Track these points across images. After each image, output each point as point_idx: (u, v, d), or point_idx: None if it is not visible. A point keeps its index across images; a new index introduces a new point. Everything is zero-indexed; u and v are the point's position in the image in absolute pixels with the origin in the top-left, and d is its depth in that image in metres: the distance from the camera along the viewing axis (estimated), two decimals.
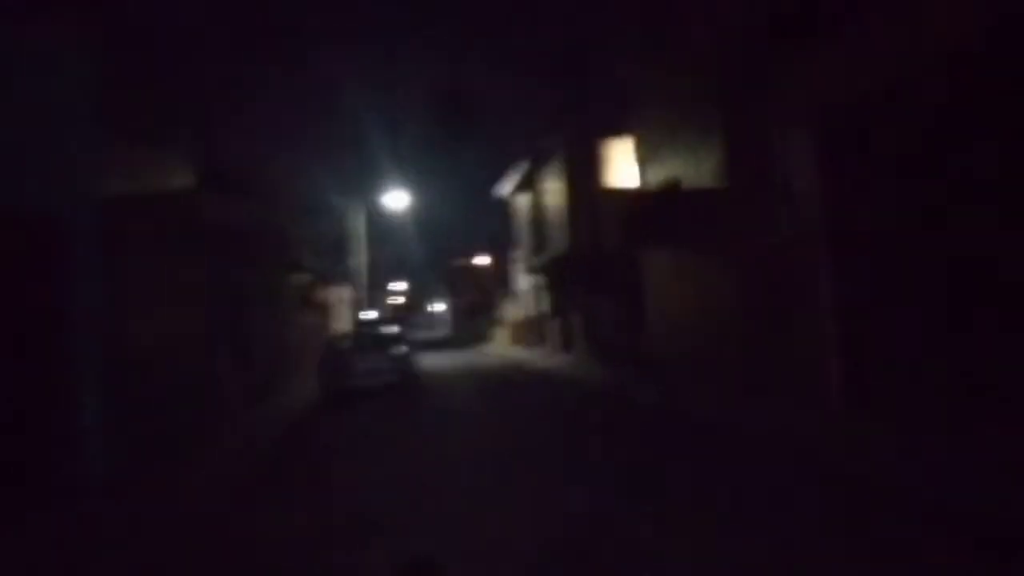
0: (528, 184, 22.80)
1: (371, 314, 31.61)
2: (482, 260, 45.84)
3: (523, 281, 30.07)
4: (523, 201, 24.22)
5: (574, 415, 10.97)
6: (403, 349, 15.41)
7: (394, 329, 17.51)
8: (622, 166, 16.58)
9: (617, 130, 16.03)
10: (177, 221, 11.26)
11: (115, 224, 9.45)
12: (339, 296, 33.62)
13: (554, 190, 19.43)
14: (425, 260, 56.94)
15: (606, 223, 16.14)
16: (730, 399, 10.17)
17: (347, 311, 35.48)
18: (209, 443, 9.88)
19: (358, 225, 30.63)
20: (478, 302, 48.14)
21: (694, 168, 12.37)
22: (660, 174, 13.95)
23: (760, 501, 5.47)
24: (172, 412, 10.04)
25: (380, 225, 36.25)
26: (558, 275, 22.22)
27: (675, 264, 13.32)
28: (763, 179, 10.14)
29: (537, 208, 22.02)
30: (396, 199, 32.55)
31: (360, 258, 31.10)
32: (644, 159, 14.94)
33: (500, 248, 36.93)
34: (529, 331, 30.28)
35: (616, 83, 15.99)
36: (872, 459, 6.23)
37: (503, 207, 28.70)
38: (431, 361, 27.46)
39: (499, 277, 36.82)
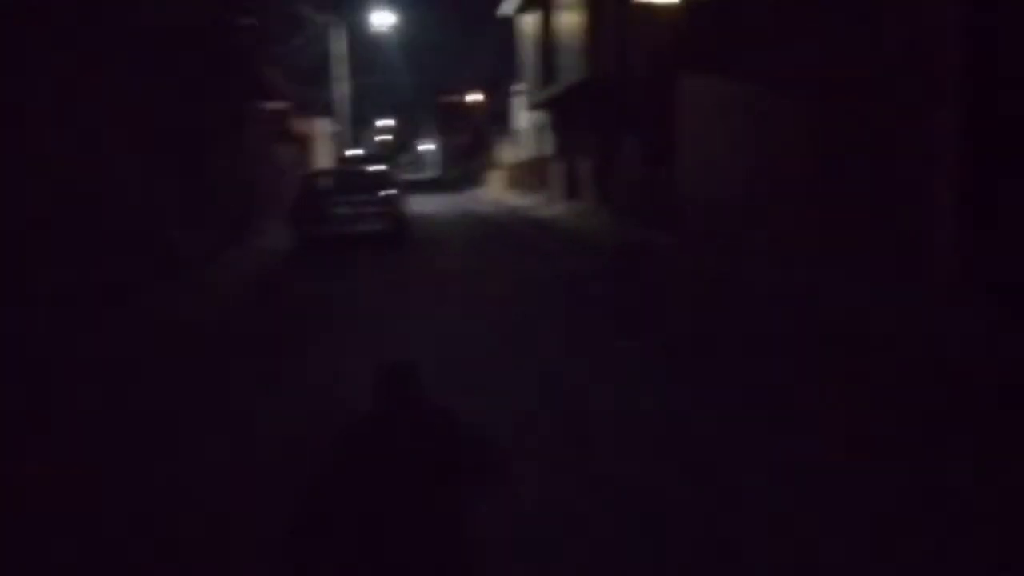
0: None
1: (356, 151, 28.92)
2: (476, 96, 42.32)
3: (524, 119, 27.23)
4: (530, 22, 20.93)
5: (599, 275, 8.99)
6: (391, 192, 13.14)
7: (381, 168, 15.16)
8: None
9: None
10: (97, 16, 8.56)
11: None
12: (320, 130, 30.66)
13: (570, 4, 16.35)
14: (415, 94, 53.08)
15: (635, 44, 13.40)
16: (792, 262, 8.17)
17: (329, 147, 32.64)
18: (136, 308, 7.86)
19: (340, 48, 27.16)
20: (472, 142, 45.16)
21: None
22: None
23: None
24: (94, 270, 7.93)
25: (365, 52, 32.59)
26: (567, 111, 19.52)
27: (724, 95, 10.83)
28: None
29: (547, 30, 18.88)
30: (381, 19, 28.79)
31: (343, 88, 27.89)
32: None
33: (499, 82, 33.58)
34: (528, 175, 27.86)
35: None
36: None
37: (504, 30, 25.27)
38: (420, 205, 25.23)
39: (495, 115, 33.78)
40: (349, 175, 14.82)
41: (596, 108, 17.00)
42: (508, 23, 23.20)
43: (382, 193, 12.93)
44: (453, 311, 7.29)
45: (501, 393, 4.59)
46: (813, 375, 4.80)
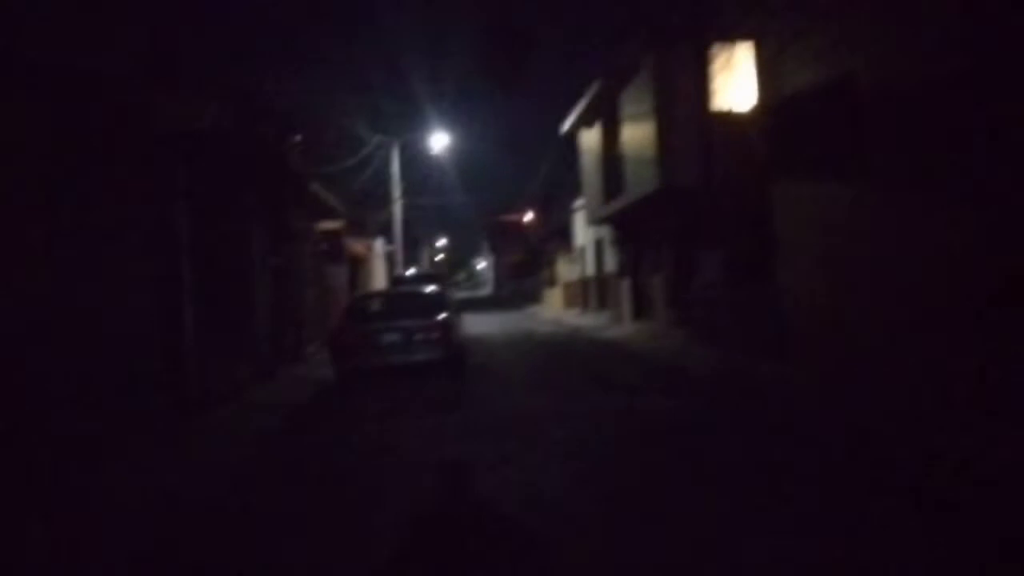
0: (599, 113, 18.56)
1: (410, 271, 28.01)
2: (531, 213, 41.88)
3: (584, 235, 26.06)
4: (591, 137, 20.01)
5: (706, 423, 7.07)
6: (445, 315, 11.63)
7: (433, 289, 13.78)
8: (737, 77, 12.35)
9: (729, 27, 11.73)
10: (112, 124, 7.53)
11: None
12: (375, 250, 30.07)
13: (638, 116, 15.25)
14: (468, 213, 53.24)
15: (718, 150, 12.03)
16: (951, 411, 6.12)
17: (384, 267, 32.00)
18: (113, 474, 6.26)
19: (393, 170, 26.82)
20: (526, 260, 44.38)
21: (879, 54, 8.16)
22: (804, 76, 9.74)
23: None
24: (80, 412, 6.46)
25: (419, 172, 32.46)
26: (635, 225, 18.13)
27: (843, 202, 9.18)
28: None
29: (611, 143, 17.83)
30: (436, 141, 28.59)
31: (396, 207, 27.37)
32: (772, 59, 10.71)
33: (557, 198, 32.90)
34: (588, 293, 26.38)
35: None
36: None
37: (563, 148, 24.55)
38: (476, 325, 23.85)
39: (553, 231, 32.86)
40: (398, 297, 13.43)
41: (670, 221, 15.54)
42: (568, 139, 22.42)
43: (435, 317, 11.43)
44: (525, 480, 5.46)
45: None
46: None
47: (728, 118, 12.23)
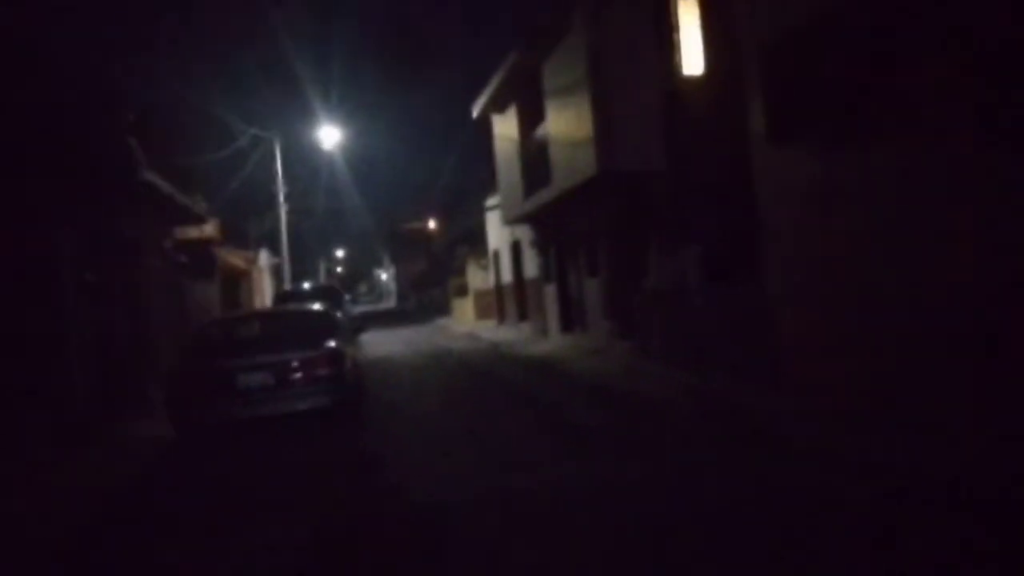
0: (517, 91, 15.83)
1: (303, 285, 24.37)
2: (436, 218, 38.90)
3: (497, 238, 23.33)
4: (507, 122, 17.28)
5: (726, 510, 4.42)
6: (334, 344, 8.51)
7: (319, 308, 10.64)
8: (689, 26, 9.88)
9: None
10: None
11: None
12: (256, 262, 26.31)
13: (566, 89, 12.62)
14: (367, 221, 49.57)
15: (684, 121, 9.53)
16: None
17: (268, 282, 28.24)
18: None
19: (276, 169, 23.21)
20: (430, 270, 41.34)
21: None
22: (796, 11, 7.34)
23: None
24: None
25: (309, 175, 28.87)
26: (563, 222, 15.52)
27: (861, 176, 6.77)
28: None
29: (532, 126, 15.16)
30: (326, 137, 25.19)
31: (280, 212, 23.78)
32: None
33: (462, 200, 30.11)
34: (504, 303, 23.67)
35: None
36: None
37: (473, 139, 21.78)
38: (380, 344, 20.68)
39: (462, 235, 30.04)
40: (269, 320, 10.26)
41: (610, 213, 13.00)
42: (480, 128, 19.65)
43: (321, 346, 8.31)
44: None
45: None
46: None
47: (688, 80, 9.77)
